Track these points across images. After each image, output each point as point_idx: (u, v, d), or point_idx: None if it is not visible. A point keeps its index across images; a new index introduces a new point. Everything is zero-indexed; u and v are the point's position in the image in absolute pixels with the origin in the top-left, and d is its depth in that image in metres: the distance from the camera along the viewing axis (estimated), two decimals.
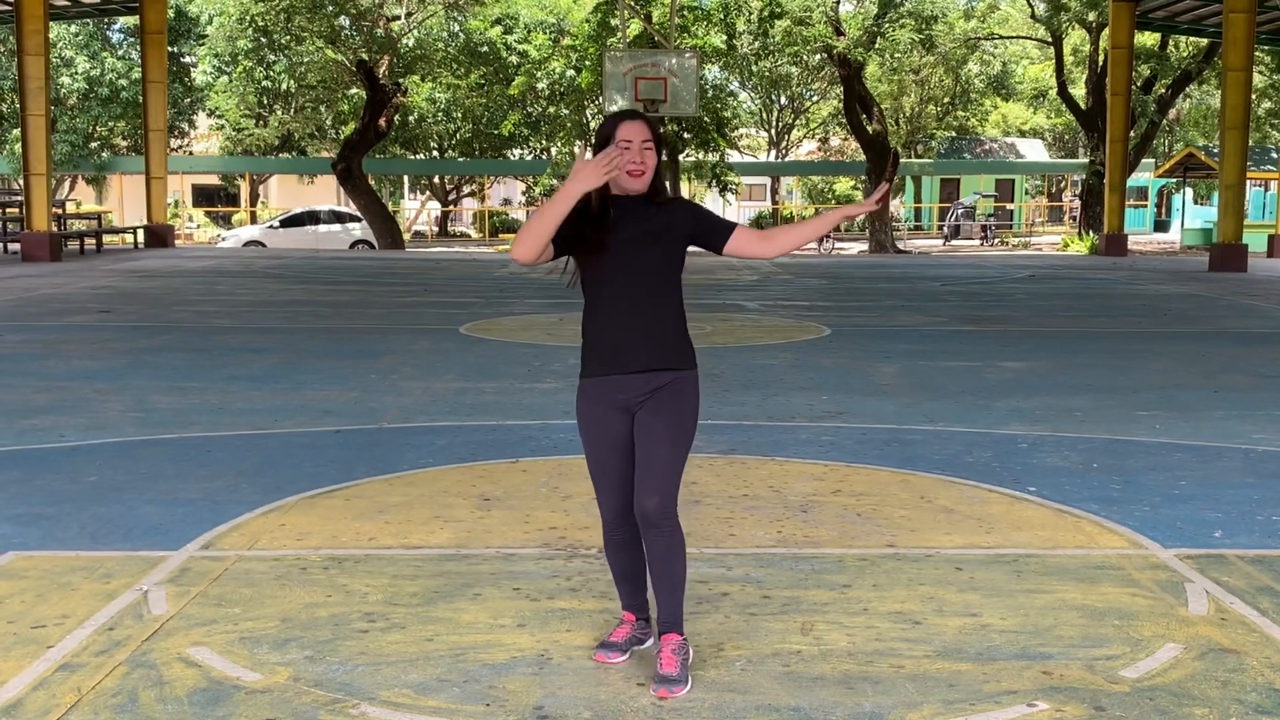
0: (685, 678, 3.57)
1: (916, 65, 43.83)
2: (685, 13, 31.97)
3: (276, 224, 34.83)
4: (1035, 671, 3.73)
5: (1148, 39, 34.62)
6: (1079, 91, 38.71)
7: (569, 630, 4.04)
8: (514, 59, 38.93)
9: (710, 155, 34.54)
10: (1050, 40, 36.47)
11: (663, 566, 3.61)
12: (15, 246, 24.29)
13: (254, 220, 42.11)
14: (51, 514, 5.42)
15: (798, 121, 54.42)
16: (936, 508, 5.64)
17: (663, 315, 3.62)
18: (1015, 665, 3.78)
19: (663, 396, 3.60)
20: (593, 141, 3.66)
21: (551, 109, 40.35)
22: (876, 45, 33.37)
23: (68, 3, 28.82)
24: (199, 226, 45.11)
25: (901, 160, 38.60)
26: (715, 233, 3.69)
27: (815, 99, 51.91)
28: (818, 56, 37.77)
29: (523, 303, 15.74)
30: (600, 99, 28.62)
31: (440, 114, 42.56)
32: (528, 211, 52.52)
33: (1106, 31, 30.08)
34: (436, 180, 48.73)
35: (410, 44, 37.00)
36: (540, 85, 37.27)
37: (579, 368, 3.73)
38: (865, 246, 36.17)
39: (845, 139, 51.33)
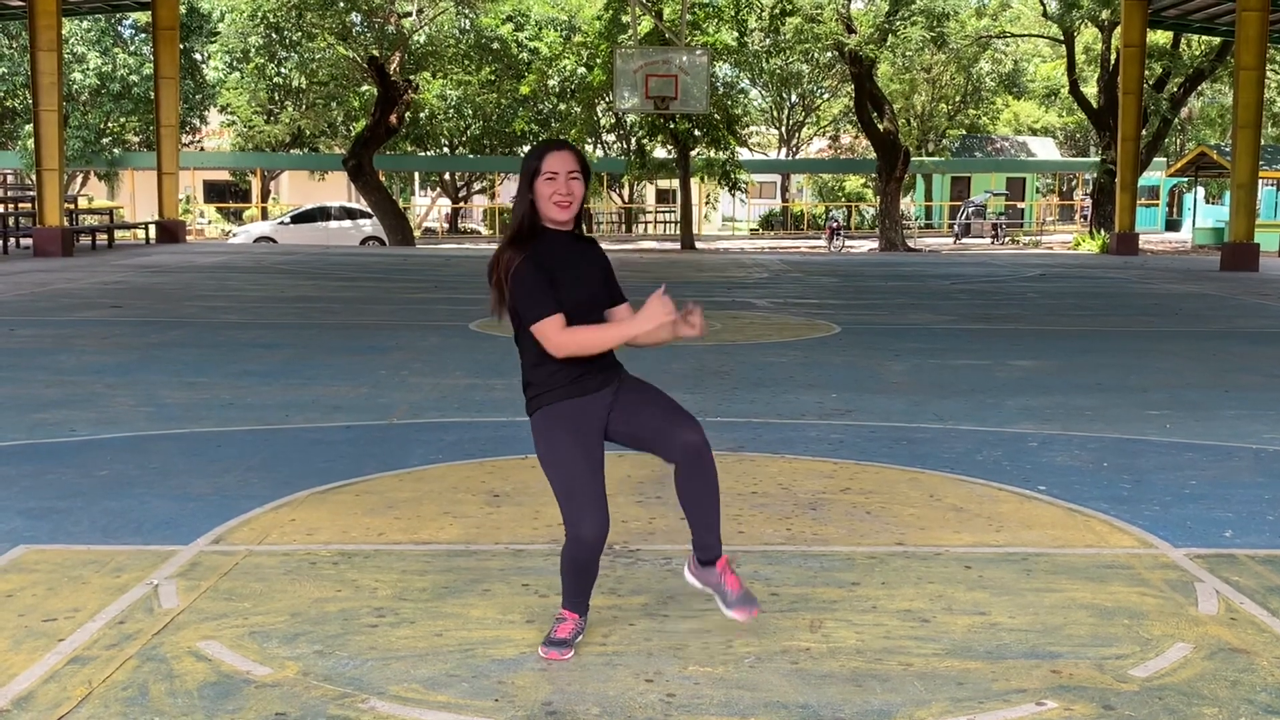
0: None
1: (928, 63, 43.78)
2: (696, 10, 31.96)
3: (287, 220, 34.90)
4: (1044, 670, 3.72)
5: (1160, 37, 34.51)
6: (1091, 90, 38.62)
7: None
8: (525, 56, 38.95)
9: (721, 153, 34.53)
10: (1062, 38, 36.37)
11: (714, 493, 3.73)
12: (27, 241, 24.37)
13: (265, 216, 42.21)
14: (62, 508, 5.44)
15: (808, 119, 54.38)
16: (946, 506, 5.63)
17: None
18: (1024, 664, 3.77)
19: (627, 387, 3.76)
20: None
21: (562, 106, 40.38)
22: (888, 43, 33.32)
23: None
24: (210, 222, 45.21)
25: (913, 158, 38.54)
26: (615, 292, 3.78)
27: (826, 97, 51.87)
28: (829, 54, 37.76)
29: None
30: (611, 96, 28.62)
31: (451, 111, 42.60)
32: None
33: (1119, 29, 29.98)
34: (447, 177, 48.81)
35: (421, 40, 37.05)
36: (551, 82, 37.30)
37: (531, 401, 3.74)
38: (875, 245, 36.13)
39: (856, 137, 51.33)
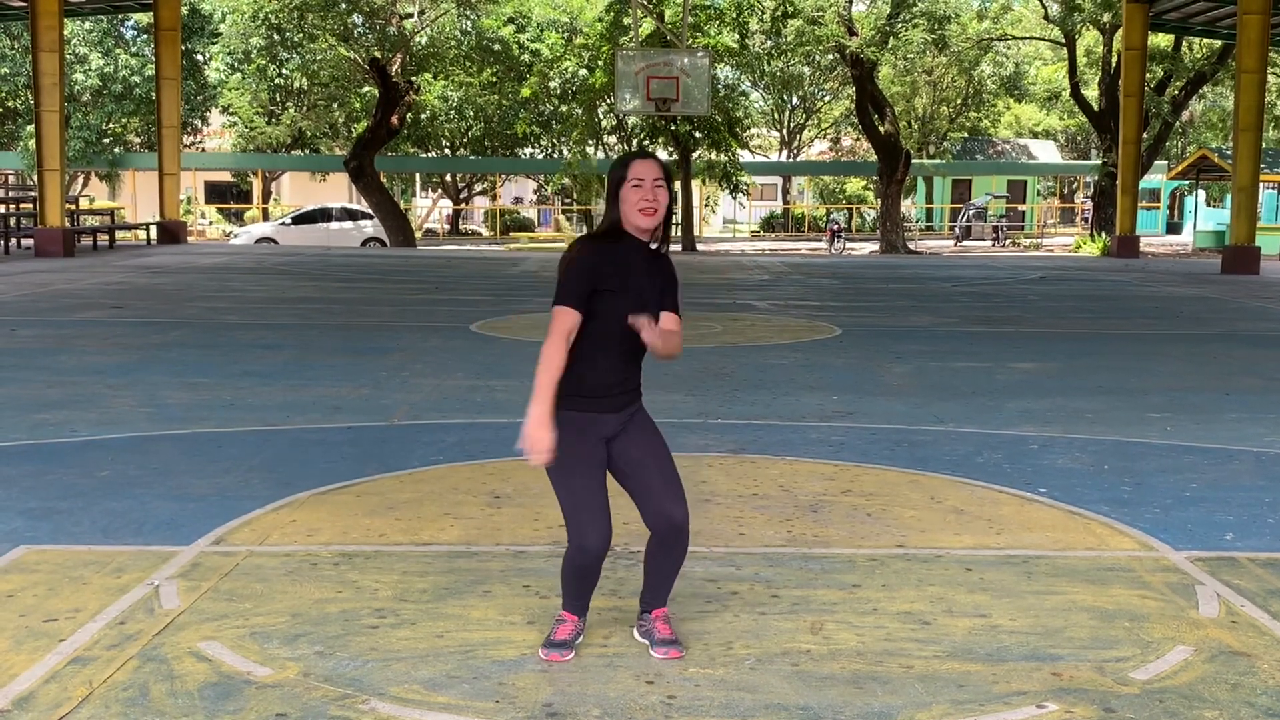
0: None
1: (929, 66, 43.79)
2: (698, 12, 31.97)
3: (288, 221, 34.91)
4: (1045, 673, 3.72)
5: (1161, 40, 34.50)
6: (1092, 93, 38.61)
7: None
8: (526, 57, 38.96)
9: (722, 155, 34.53)
10: (1063, 41, 36.37)
11: (676, 567, 3.87)
12: (28, 242, 24.38)
13: (266, 217, 42.22)
14: (63, 508, 5.44)
15: (809, 121, 54.36)
16: (946, 508, 5.63)
17: (639, 358, 3.78)
18: (1025, 666, 3.77)
19: (638, 423, 3.79)
20: (607, 180, 3.74)
21: (564, 108, 40.38)
22: (889, 45, 33.32)
23: None
24: (211, 223, 45.23)
25: (914, 161, 38.56)
26: (670, 304, 3.80)
27: (827, 99, 51.85)
28: (830, 56, 37.75)
29: (533, 301, 15.74)
30: (612, 98, 28.62)
31: (452, 112, 42.61)
32: (539, 210, 52.68)
33: (1120, 32, 29.98)
34: (448, 178, 48.80)
35: (423, 42, 37.05)
36: (553, 84, 37.31)
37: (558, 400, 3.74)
38: (876, 247, 36.13)
39: (857, 139, 51.31)
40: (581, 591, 3.84)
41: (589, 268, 3.62)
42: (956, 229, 44.02)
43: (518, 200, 56.96)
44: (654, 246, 3.76)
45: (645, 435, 3.79)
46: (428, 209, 51.66)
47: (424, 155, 46.15)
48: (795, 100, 52.59)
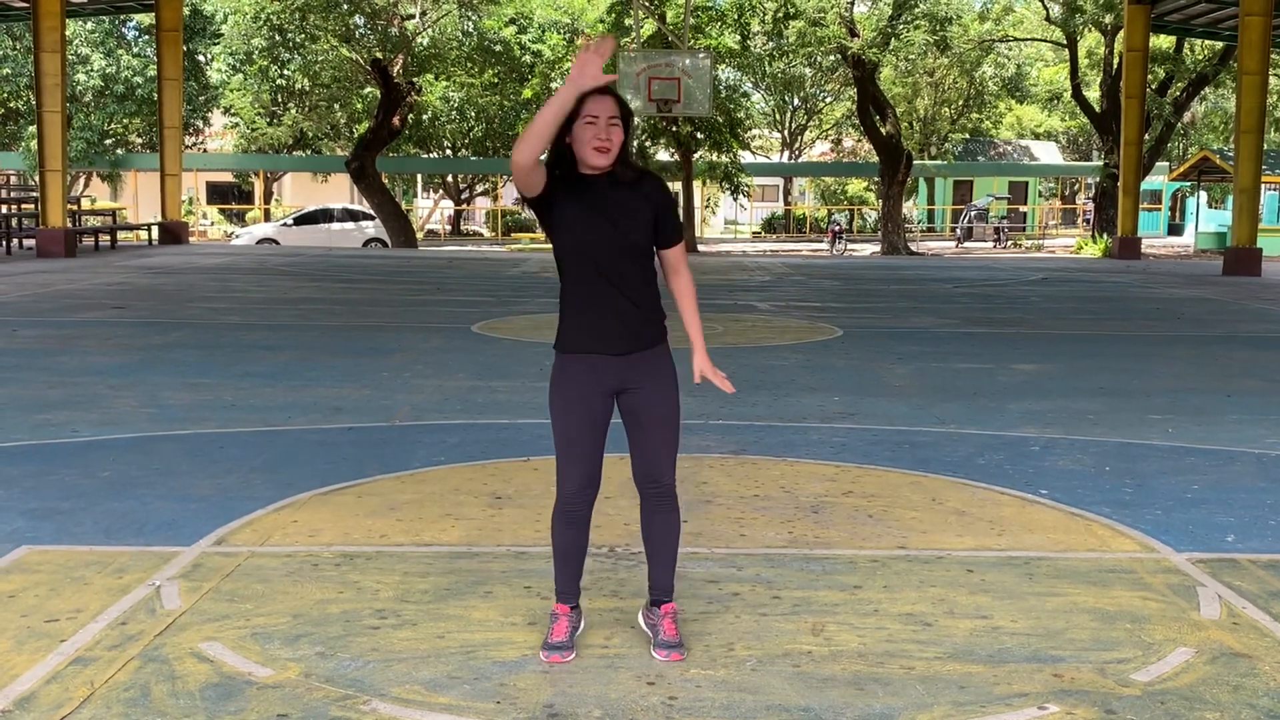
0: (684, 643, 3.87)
1: (930, 67, 43.77)
2: (699, 13, 31.97)
3: (290, 222, 34.92)
4: (1046, 674, 3.72)
5: (1163, 41, 34.50)
6: (1093, 94, 38.61)
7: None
8: (528, 58, 38.97)
9: (723, 156, 34.52)
10: (1065, 43, 36.37)
11: (671, 537, 3.85)
12: (30, 242, 24.39)
13: (268, 218, 42.24)
14: (65, 509, 5.44)
15: (811, 123, 54.37)
16: (948, 509, 5.63)
17: (636, 295, 3.66)
18: (1026, 668, 3.77)
19: (648, 373, 3.71)
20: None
21: None
22: (891, 46, 33.32)
23: (84, 0, 28.93)
24: (213, 224, 45.27)
25: (915, 162, 38.54)
26: (669, 231, 3.72)
27: (829, 100, 51.86)
28: (832, 57, 37.73)
29: (534, 302, 15.75)
30: None
31: (454, 113, 42.62)
32: None
33: (1121, 34, 29.98)
34: (450, 179, 48.80)
35: (424, 43, 37.06)
36: (554, 85, 37.25)
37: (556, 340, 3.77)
38: (877, 248, 36.13)
39: (859, 140, 51.32)
40: (566, 554, 3.81)
41: (552, 176, 3.56)
42: (958, 230, 44.02)
43: (519, 201, 56.97)
44: (624, 176, 3.61)
45: (658, 390, 3.72)
46: (429, 210, 51.67)
47: (425, 156, 46.16)
48: (797, 101, 52.60)
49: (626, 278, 3.64)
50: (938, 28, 33.59)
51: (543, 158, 3.51)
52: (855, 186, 54.64)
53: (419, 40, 36.29)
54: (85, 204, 36.74)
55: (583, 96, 3.49)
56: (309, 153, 44.67)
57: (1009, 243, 41.11)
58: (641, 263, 3.68)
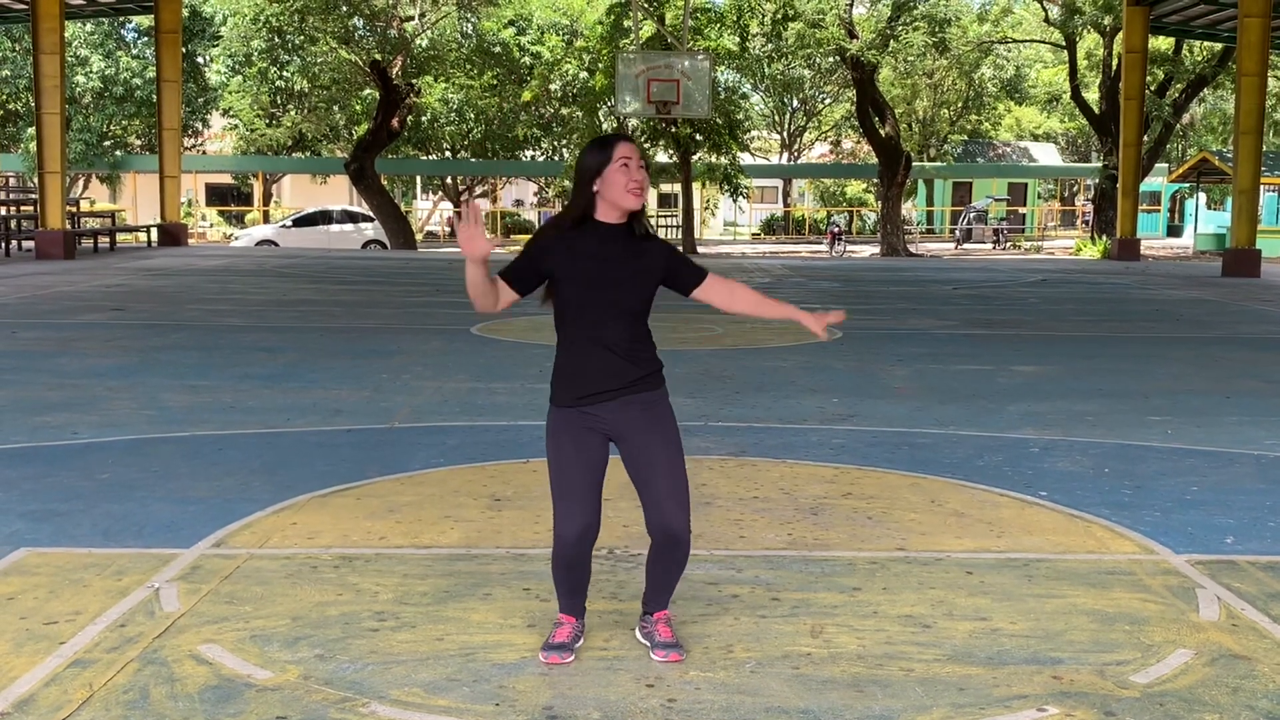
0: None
1: (930, 68, 43.80)
2: (698, 15, 31.97)
3: (289, 223, 34.92)
4: (1045, 676, 3.72)
5: (1162, 43, 34.52)
6: (1092, 95, 38.62)
7: None
8: (527, 60, 38.98)
9: (722, 157, 34.52)
10: (1064, 44, 36.38)
11: (676, 574, 3.85)
12: (29, 244, 24.38)
13: (267, 220, 42.24)
14: (64, 511, 5.44)
15: (810, 124, 54.39)
16: (947, 511, 5.63)
17: (635, 349, 3.69)
18: (1025, 669, 3.77)
19: (646, 418, 3.70)
20: (580, 165, 3.64)
21: (564, 110, 40.39)
22: (890, 48, 33.34)
23: (83, 2, 28.93)
24: (212, 225, 45.25)
25: (914, 164, 38.56)
26: (687, 277, 3.76)
27: (828, 102, 51.89)
28: (831, 59, 37.75)
29: (534, 304, 15.74)
30: (613, 100, 28.64)
31: (453, 114, 42.61)
32: (539, 213, 52.65)
33: (1120, 35, 29.99)
34: (449, 181, 48.79)
35: (423, 45, 37.06)
36: (553, 87, 37.32)
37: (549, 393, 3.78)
38: (876, 249, 36.14)
39: (858, 142, 51.32)
40: (570, 588, 3.82)
41: (538, 252, 3.64)
42: (957, 232, 44.01)
43: (518, 203, 56.97)
44: (639, 231, 3.68)
45: (655, 435, 3.70)
46: (428, 211, 51.66)
47: (424, 158, 46.14)
48: (796, 103, 52.63)
49: (621, 334, 3.66)
50: (936, 29, 33.61)
51: (494, 276, 3.64)
52: (854, 188, 54.65)
53: (418, 42, 36.29)
54: (84, 206, 36.74)
55: (612, 142, 3.60)
56: (308, 154, 44.66)
57: (1008, 244, 41.11)
58: (637, 321, 3.71)
